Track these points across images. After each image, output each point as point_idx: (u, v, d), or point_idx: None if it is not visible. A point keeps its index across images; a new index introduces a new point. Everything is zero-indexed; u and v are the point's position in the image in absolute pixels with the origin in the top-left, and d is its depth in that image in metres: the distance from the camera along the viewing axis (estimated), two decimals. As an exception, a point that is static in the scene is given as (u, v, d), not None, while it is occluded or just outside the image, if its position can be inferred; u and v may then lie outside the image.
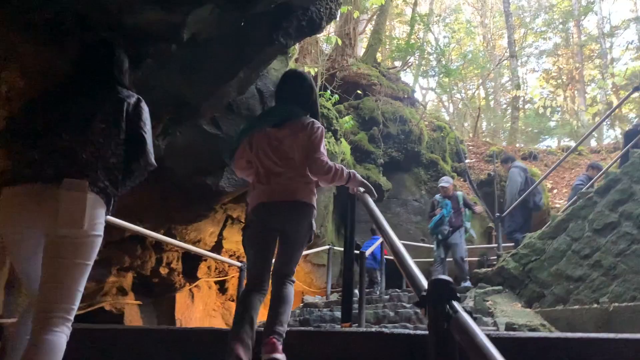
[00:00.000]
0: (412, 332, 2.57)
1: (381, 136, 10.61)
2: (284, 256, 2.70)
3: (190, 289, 8.18)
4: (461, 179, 12.51)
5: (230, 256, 8.90)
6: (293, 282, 2.70)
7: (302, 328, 2.97)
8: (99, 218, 2.13)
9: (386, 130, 10.74)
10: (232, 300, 9.15)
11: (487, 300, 6.00)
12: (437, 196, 8.13)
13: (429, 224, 8.13)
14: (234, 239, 8.52)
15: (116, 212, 4.47)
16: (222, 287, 9.14)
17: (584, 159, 14.15)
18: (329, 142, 7.74)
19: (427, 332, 1.66)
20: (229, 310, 9.11)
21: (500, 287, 6.34)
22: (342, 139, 8.76)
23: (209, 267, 8.43)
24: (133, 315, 7.50)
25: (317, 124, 2.83)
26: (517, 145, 17.90)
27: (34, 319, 1.98)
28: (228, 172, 6.43)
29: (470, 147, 13.92)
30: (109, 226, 2.46)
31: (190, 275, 8.30)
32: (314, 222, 2.72)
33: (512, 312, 5.62)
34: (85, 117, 2.20)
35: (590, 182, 7.96)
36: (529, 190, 8.16)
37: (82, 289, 2.09)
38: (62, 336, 1.96)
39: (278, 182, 2.68)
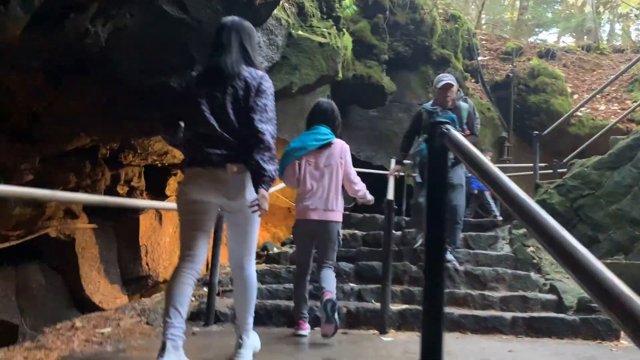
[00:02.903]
0: None
1: (387, 26, 8.79)
2: (322, 252, 3.63)
3: (157, 209, 6.86)
4: (473, 80, 10.94)
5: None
6: (333, 267, 3.67)
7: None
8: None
9: (393, 19, 8.90)
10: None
11: (528, 246, 4.81)
12: (428, 105, 4.95)
13: (410, 147, 5.04)
14: (209, 151, 7.05)
15: (54, 120, 4.74)
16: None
17: (606, 58, 12.59)
18: (329, 34, 6.01)
19: None
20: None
21: (540, 227, 5.12)
22: (345, 30, 6.99)
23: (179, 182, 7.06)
24: (87, 241, 6.22)
25: (347, 146, 3.73)
26: (527, 40, 16.09)
27: (233, 264, 2.82)
28: (197, 70, 4.80)
29: (483, 42, 12.16)
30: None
31: (157, 192, 6.97)
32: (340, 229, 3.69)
33: (563, 265, 4.45)
34: (222, 108, 2.64)
35: None
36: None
37: (257, 234, 2.86)
38: (253, 269, 2.82)
39: (318, 201, 3.55)
